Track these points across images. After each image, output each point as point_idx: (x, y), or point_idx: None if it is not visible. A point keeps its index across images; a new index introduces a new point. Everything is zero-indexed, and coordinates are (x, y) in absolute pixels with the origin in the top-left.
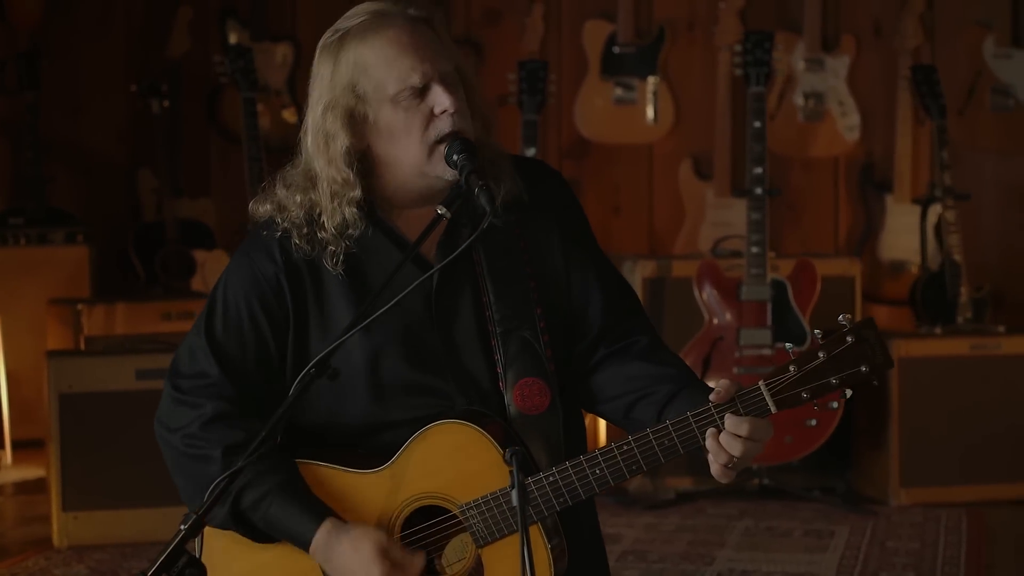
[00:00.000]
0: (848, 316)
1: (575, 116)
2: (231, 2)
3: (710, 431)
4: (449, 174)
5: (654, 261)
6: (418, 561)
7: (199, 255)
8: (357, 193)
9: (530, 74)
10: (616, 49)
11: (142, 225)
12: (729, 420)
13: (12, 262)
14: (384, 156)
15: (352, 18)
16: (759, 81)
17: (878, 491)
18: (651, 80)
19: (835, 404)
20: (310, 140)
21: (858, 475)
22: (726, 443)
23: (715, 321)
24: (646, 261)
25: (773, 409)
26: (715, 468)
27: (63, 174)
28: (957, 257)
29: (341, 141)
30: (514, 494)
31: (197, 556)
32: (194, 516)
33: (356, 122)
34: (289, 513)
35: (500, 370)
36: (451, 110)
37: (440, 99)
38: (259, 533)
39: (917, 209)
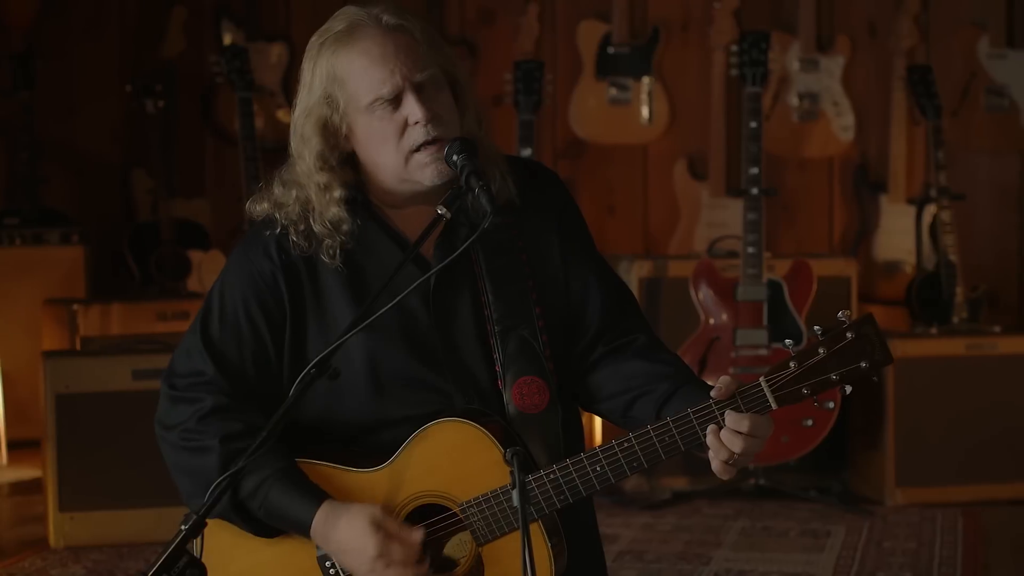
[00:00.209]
0: (847, 312)
1: (570, 116)
2: (225, 2)
3: (711, 428)
4: (428, 180)
5: (650, 261)
6: (415, 534)
7: (195, 255)
8: (338, 193)
9: (526, 74)
10: (611, 49)
11: (137, 225)
12: (730, 416)
13: (7, 262)
14: (367, 161)
15: (332, 25)
16: (755, 81)
17: (874, 491)
18: (646, 80)
19: (831, 404)
20: (294, 141)
21: (854, 475)
22: (727, 439)
23: (711, 321)
24: (642, 261)
25: (774, 405)
26: (716, 465)
27: (58, 174)
28: (953, 257)
29: (314, 145)
30: (515, 494)
31: (198, 556)
32: (195, 516)
33: (329, 130)
34: (288, 497)
35: (499, 369)
36: (422, 121)
37: (412, 110)
38: (258, 524)
39: (911, 209)
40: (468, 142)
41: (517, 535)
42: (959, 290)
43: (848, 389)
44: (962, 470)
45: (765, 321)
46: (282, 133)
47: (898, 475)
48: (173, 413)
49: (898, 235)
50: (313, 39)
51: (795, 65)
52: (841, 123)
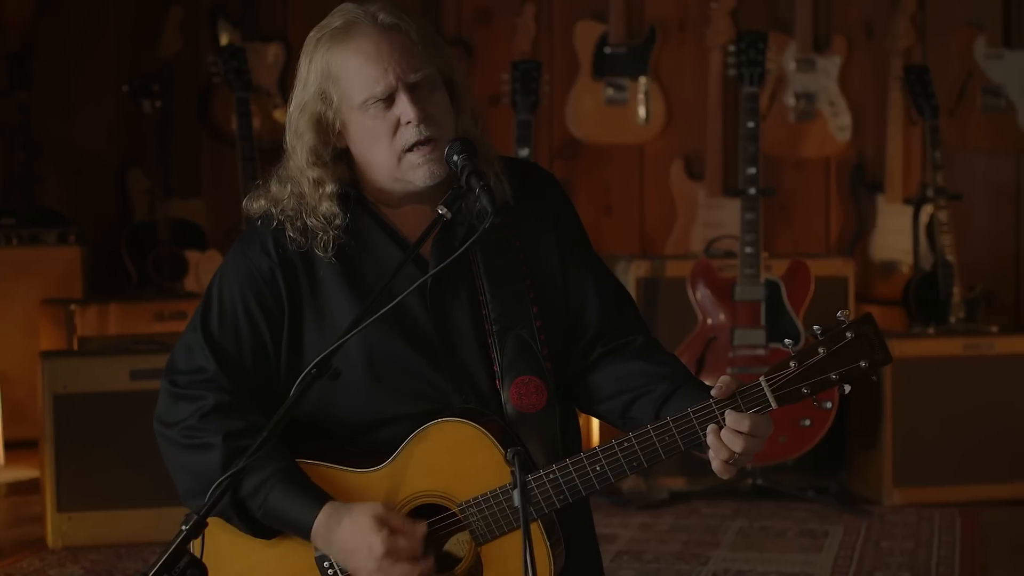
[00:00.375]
0: (846, 312)
1: (566, 116)
2: (222, 2)
3: (711, 427)
4: (420, 181)
5: (648, 261)
6: (419, 529)
7: (192, 256)
8: (330, 188)
9: (523, 74)
10: (607, 49)
11: (134, 225)
12: (730, 416)
13: (4, 263)
14: (361, 159)
15: (329, 21)
16: (753, 81)
17: (871, 491)
18: (642, 80)
19: (829, 404)
20: (288, 136)
21: (851, 475)
22: (727, 439)
23: (709, 321)
24: (640, 261)
25: (774, 404)
26: (716, 464)
27: (54, 174)
28: (950, 257)
29: (307, 140)
30: (516, 494)
31: (199, 556)
32: (195, 516)
33: (323, 126)
34: (290, 499)
35: (497, 368)
36: (414, 121)
37: (405, 110)
38: (254, 524)
39: (908, 209)
40: (468, 142)
41: (516, 535)
42: (956, 290)
43: (847, 388)
44: (960, 470)
45: (763, 321)
46: (278, 133)
47: (896, 475)
48: (174, 410)
49: (894, 235)
50: (311, 34)
51: (792, 65)
52: (838, 123)
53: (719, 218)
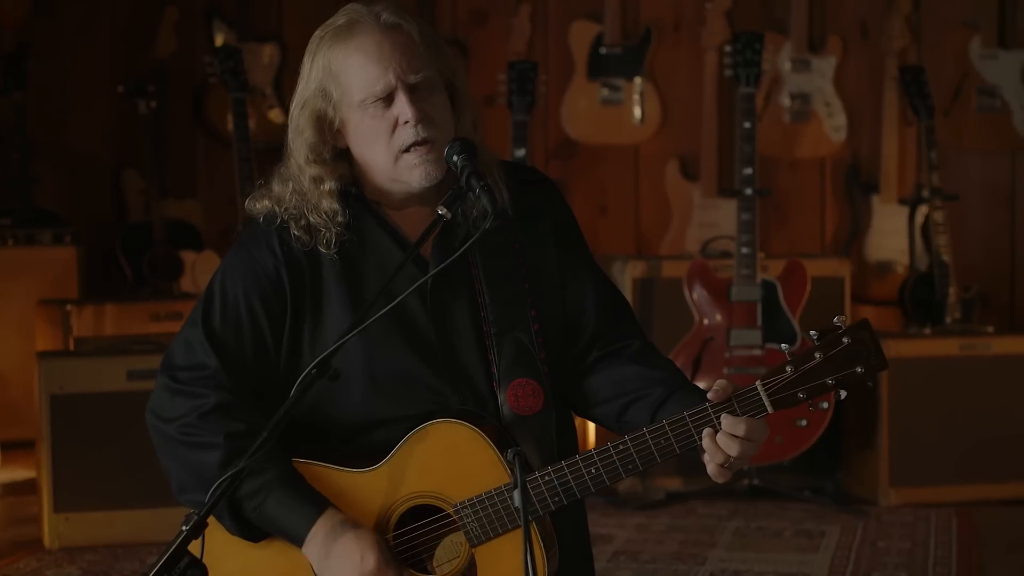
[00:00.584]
0: (843, 318)
1: (561, 117)
2: (217, 2)
3: (707, 431)
4: (416, 182)
5: (644, 262)
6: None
7: (187, 256)
8: (329, 186)
9: (520, 75)
10: (602, 50)
11: (129, 226)
12: (726, 420)
13: None
14: (360, 158)
15: (334, 20)
16: (749, 82)
17: (868, 491)
18: (637, 81)
19: (825, 404)
20: (290, 132)
21: (848, 475)
22: (723, 443)
23: (705, 322)
24: (636, 262)
25: (770, 409)
26: (711, 468)
27: (50, 175)
28: (946, 257)
29: (307, 137)
30: (516, 495)
31: (199, 557)
32: (196, 516)
33: (323, 123)
34: (287, 506)
35: (494, 370)
36: (412, 121)
37: (403, 110)
38: (246, 526)
39: (903, 210)
40: (468, 143)
41: (510, 536)
42: (952, 290)
43: (843, 394)
44: (956, 470)
45: (759, 322)
46: (273, 134)
47: (892, 475)
48: (172, 405)
49: (889, 235)
50: (316, 33)
51: (787, 65)
52: (833, 123)
53: (714, 218)
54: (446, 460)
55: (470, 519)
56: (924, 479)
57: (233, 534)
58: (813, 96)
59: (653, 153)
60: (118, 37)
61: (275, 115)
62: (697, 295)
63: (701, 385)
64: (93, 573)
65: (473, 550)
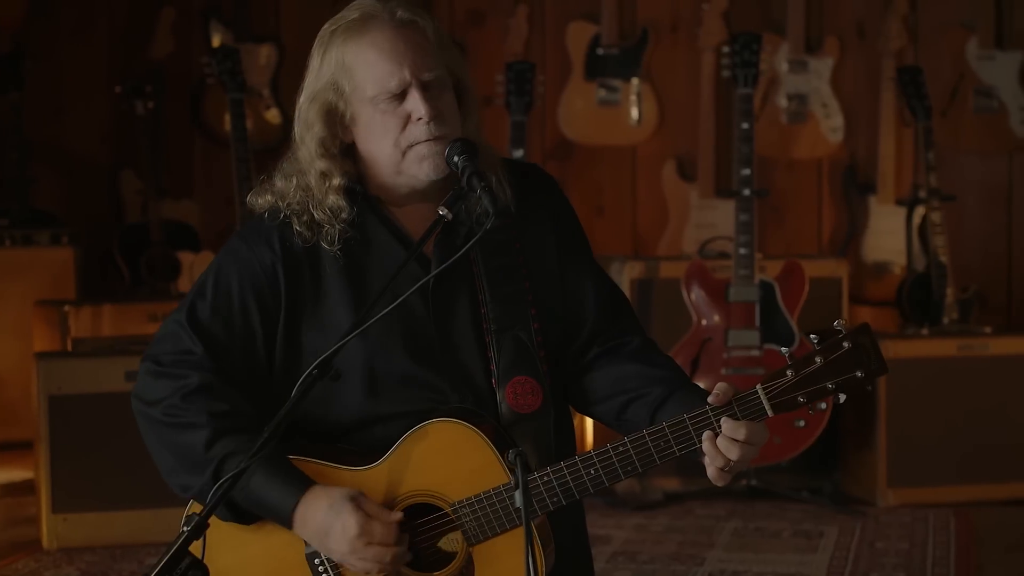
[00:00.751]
0: (843, 321)
1: (559, 117)
2: (214, 3)
3: (706, 435)
4: (424, 175)
5: (642, 262)
6: (394, 515)
7: (185, 257)
8: (337, 181)
9: (518, 75)
10: (600, 51)
11: (127, 226)
12: (727, 424)
13: None
14: (365, 153)
15: (346, 14)
16: (747, 83)
17: (865, 492)
18: (635, 81)
19: (823, 405)
20: (297, 127)
21: (846, 476)
22: (723, 447)
23: (703, 322)
24: (634, 262)
25: (770, 413)
26: (711, 472)
27: (47, 175)
28: (943, 258)
29: (317, 131)
30: (518, 495)
31: (200, 558)
32: (197, 517)
33: (333, 117)
34: (272, 483)
35: (494, 368)
36: (426, 118)
37: (416, 106)
38: (235, 509)
39: (900, 210)
40: (469, 143)
41: (508, 536)
42: (949, 291)
43: (843, 398)
44: (954, 471)
45: (757, 322)
46: (270, 135)
47: (890, 476)
48: (154, 387)
49: (887, 236)
50: (325, 26)
51: (784, 66)
52: (830, 124)
53: (711, 219)
54: (444, 459)
55: (468, 518)
56: (922, 479)
57: (222, 519)
58: (810, 97)
59: (650, 154)
60: (115, 37)
61: (272, 116)
62: (695, 296)
63: (700, 387)
64: (91, 574)
65: (471, 549)
